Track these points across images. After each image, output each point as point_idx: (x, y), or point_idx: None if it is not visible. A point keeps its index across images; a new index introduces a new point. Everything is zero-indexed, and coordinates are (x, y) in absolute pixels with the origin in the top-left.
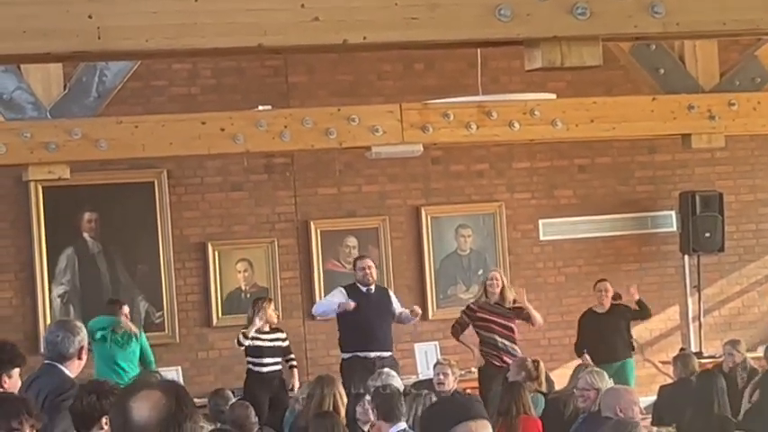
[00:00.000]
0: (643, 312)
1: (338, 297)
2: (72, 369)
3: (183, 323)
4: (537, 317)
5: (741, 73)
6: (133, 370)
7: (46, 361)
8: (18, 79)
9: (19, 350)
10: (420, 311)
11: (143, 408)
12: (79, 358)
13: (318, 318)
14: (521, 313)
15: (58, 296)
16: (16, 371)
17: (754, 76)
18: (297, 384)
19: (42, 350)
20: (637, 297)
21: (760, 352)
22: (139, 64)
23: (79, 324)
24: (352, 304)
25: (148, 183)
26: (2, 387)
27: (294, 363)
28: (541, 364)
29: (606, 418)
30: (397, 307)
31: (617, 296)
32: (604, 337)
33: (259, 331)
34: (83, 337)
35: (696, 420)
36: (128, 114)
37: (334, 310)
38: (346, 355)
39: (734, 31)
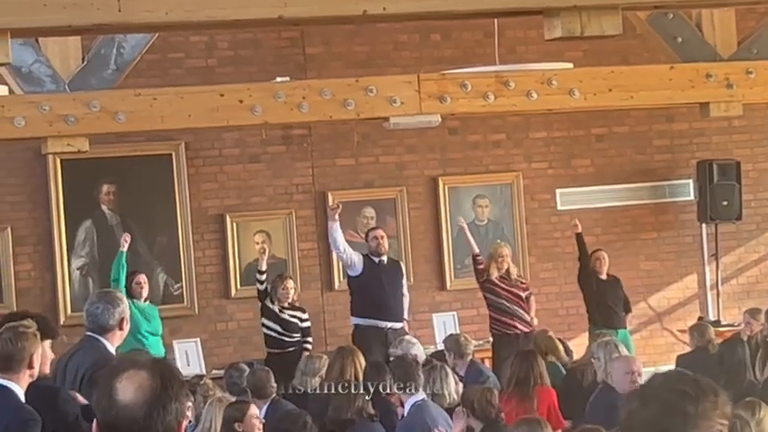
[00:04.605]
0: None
1: (357, 257)
2: (113, 340)
3: (202, 295)
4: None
5: (759, 41)
6: (155, 337)
7: (87, 333)
8: (36, 52)
9: (49, 323)
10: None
11: (128, 389)
12: (120, 329)
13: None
14: (526, 289)
15: (77, 269)
16: (47, 343)
17: None
18: None
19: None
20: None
21: None
22: (157, 36)
23: (119, 295)
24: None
25: (166, 155)
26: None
27: (308, 347)
28: (552, 337)
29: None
30: (403, 284)
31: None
32: (606, 302)
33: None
34: (123, 308)
35: (728, 388)
36: (145, 87)
37: (335, 239)
38: (359, 321)
39: None
